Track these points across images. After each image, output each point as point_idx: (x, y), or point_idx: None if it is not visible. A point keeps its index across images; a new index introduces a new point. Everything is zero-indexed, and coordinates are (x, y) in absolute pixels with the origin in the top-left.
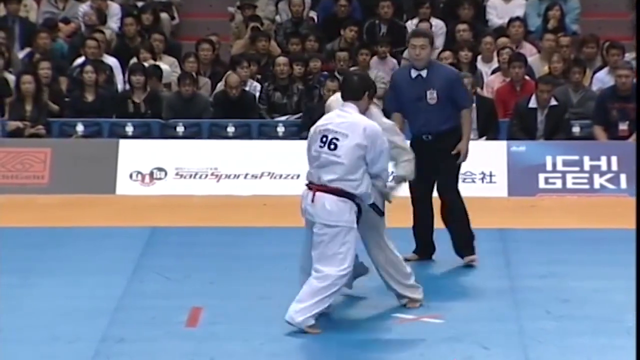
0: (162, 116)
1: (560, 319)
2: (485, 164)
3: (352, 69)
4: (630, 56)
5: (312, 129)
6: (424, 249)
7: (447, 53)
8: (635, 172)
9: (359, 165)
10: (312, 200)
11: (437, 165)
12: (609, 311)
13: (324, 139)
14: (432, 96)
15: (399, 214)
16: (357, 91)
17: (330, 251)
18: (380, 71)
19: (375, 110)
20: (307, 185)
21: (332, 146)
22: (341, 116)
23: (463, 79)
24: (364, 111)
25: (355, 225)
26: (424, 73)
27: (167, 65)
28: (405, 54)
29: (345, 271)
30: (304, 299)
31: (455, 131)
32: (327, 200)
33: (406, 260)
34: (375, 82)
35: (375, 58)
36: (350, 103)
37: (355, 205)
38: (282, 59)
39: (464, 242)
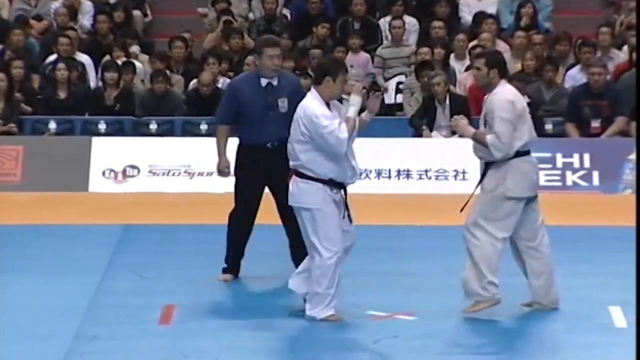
0: (135, 114)
1: (534, 316)
2: (458, 162)
3: None
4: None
5: None
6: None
7: (425, 49)
8: (606, 170)
9: (304, 144)
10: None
11: (275, 173)
12: (582, 308)
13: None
14: (283, 104)
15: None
16: (319, 76)
17: (307, 239)
18: (354, 67)
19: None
20: None
21: (292, 131)
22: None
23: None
24: (330, 94)
25: (321, 207)
26: (274, 81)
27: (141, 63)
28: (267, 60)
29: (326, 258)
30: (309, 298)
31: None
32: (292, 183)
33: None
34: (344, 66)
35: (349, 53)
36: (313, 87)
37: (327, 186)
38: (251, 58)
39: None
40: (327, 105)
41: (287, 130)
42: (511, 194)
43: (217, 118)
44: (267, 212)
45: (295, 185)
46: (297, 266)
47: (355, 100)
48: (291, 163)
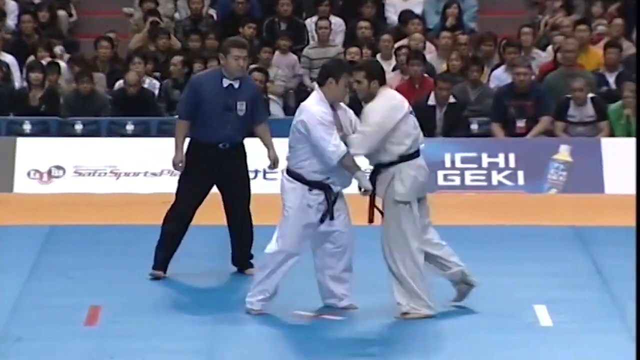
0: (60, 114)
1: (459, 315)
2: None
3: (251, 66)
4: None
5: None
6: None
7: (354, 49)
8: (531, 169)
9: (296, 143)
10: None
11: (224, 174)
12: (507, 307)
13: None
14: (241, 107)
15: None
16: (322, 76)
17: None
18: (281, 68)
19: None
20: None
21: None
22: None
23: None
24: (333, 96)
25: (292, 206)
26: (236, 84)
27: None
28: (233, 61)
29: (278, 250)
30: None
31: (243, 144)
32: (281, 179)
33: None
34: (347, 67)
35: (276, 54)
36: (317, 88)
37: (306, 188)
38: (177, 58)
39: (245, 256)
40: (333, 107)
41: (240, 133)
42: (399, 197)
43: (179, 113)
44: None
45: (282, 180)
46: (237, 267)
47: None
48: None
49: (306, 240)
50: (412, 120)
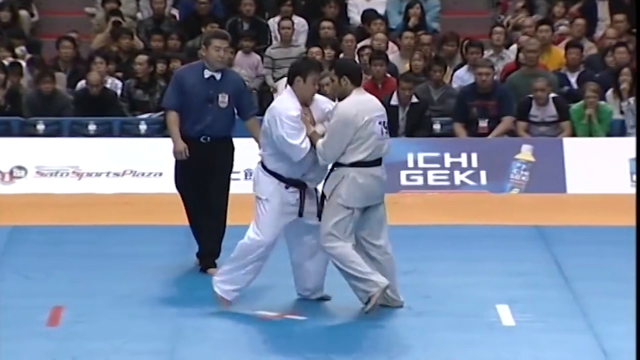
0: (22, 114)
1: (422, 314)
2: None
3: None
4: (487, 53)
5: None
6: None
7: (316, 49)
8: (494, 169)
9: (266, 137)
10: None
11: (208, 170)
12: (470, 307)
13: None
14: (223, 100)
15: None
16: (290, 75)
17: (254, 217)
18: (244, 68)
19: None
20: None
21: None
22: None
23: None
24: (302, 94)
25: (270, 199)
26: (217, 75)
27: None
28: (214, 51)
29: (256, 240)
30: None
31: (230, 139)
32: (255, 169)
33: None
34: (315, 66)
35: (239, 54)
36: (287, 87)
37: (282, 185)
38: (141, 57)
39: (211, 253)
40: (306, 105)
41: (223, 126)
42: (341, 201)
43: (165, 104)
44: (155, 213)
45: (256, 173)
46: (201, 265)
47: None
48: (259, 152)
49: (279, 234)
50: (378, 128)
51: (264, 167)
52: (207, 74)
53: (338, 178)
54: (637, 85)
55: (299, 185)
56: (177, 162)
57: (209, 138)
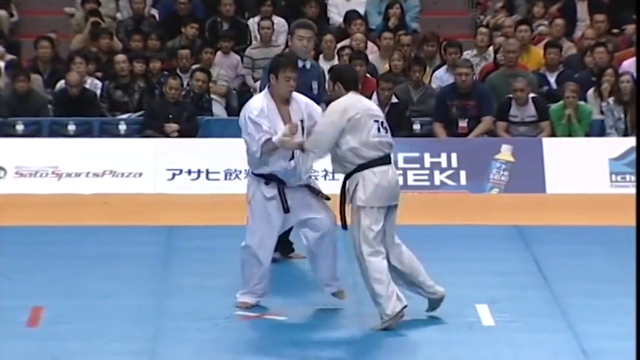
0: (0, 114)
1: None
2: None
3: (193, 66)
4: (470, 53)
5: None
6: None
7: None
8: (473, 169)
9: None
10: None
11: None
12: (449, 306)
13: None
14: (315, 87)
15: None
16: (266, 75)
17: None
18: (223, 69)
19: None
20: None
21: None
22: None
23: None
24: (277, 91)
25: (251, 199)
26: (307, 64)
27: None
28: (297, 41)
29: (245, 245)
30: None
31: None
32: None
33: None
34: (285, 63)
35: (218, 54)
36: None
37: (262, 181)
38: (121, 57)
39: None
40: (287, 101)
41: None
42: (362, 203)
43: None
44: (135, 214)
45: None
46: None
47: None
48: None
49: (272, 233)
50: (375, 126)
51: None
52: (299, 63)
53: (353, 184)
54: (637, 86)
55: (275, 180)
56: None
57: None
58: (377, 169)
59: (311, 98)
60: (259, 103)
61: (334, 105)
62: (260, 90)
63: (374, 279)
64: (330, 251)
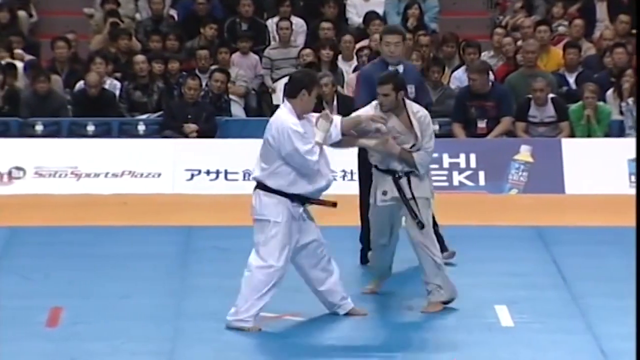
0: (20, 114)
1: (421, 314)
2: (344, 162)
3: (212, 67)
4: (488, 54)
5: None
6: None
7: (307, 51)
8: (492, 170)
9: (270, 157)
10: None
11: None
12: (468, 307)
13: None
14: (411, 91)
15: None
16: (294, 89)
17: (255, 247)
18: (242, 69)
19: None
20: None
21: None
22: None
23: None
24: (304, 108)
25: (279, 220)
26: (400, 68)
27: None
28: (385, 47)
29: (268, 266)
30: (236, 303)
31: None
32: (254, 195)
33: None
34: (318, 80)
35: (237, 54)
36: (287, 101)
37: (288, 200)
38: (140, 57)
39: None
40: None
41: None
42: (428, 195)
43: (359, 104)
44: (154, 214)
45: (258, 198)
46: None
47: (323, 127)
48: (255, 175)
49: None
50: None
51: (264, 187)
52: (391, 68)
53: (420, 178)
54: (637, 86)
55: (302, 199)
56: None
57: None
58: None
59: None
60: (291, 117)
61: (427, 118)
62: (359, 103)
63: (438, 249)
64: (331, 273)
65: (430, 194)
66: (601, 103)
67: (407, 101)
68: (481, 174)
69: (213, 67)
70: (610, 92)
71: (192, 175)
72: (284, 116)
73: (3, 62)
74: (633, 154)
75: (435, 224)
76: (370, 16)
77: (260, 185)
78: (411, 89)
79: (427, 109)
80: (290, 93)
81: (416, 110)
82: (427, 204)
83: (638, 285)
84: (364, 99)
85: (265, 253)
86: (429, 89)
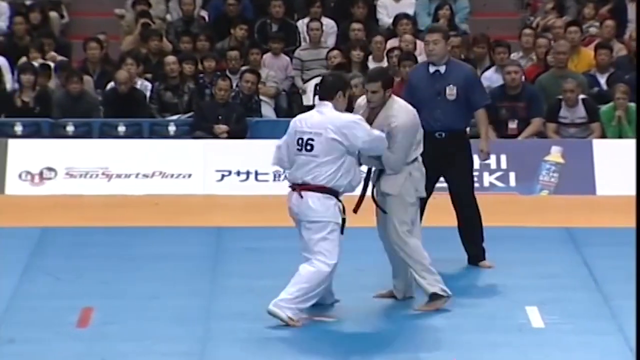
0: (52, 115)
1: (451, 316)
2: None
3: (242, 68)
4: (517, 55)
5: (291, 125)
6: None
7: (336, 52)
8: (523, 171)
9: (335, 159)
10: (297, 199)
11: (444, 166)
12: (499, 308)
13: (300, 142)
14: (451, 92)
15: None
16: (331, 91)
17: (316, 247)
18: (272, 70)
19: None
20: (290, 186)
21: (309, 147)
22: (315, 116)
23: (479, 77)
24: (339, 109)
25: (339, 221)
26: (442, 69)
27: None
28: (425, 46)
29: (331, 266)
30: (289, 291)
31: (465, 132)
32: (311, 198)
33: None
34: (349, 81)
35: (268, 55)
36: (326, 102)
37: (339, 202)
38: (171, 58)
39: (477, 247)
40: None
41: (454, 119)
42: (418, 194)
43: None
44: (185, 215)
45: (311, 199)
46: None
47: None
48: (309, 178)
49: None
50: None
51: (321, 189)
52: (432, 68)
53: (401, 177)
54: (637, 85)
55: (339, 198)
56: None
57: (443, 134)
58: (417, 165)
59: (447, 103)
60: (346, 113)
61: (406, 121)
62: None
63: (422, 256)
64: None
65: (404, 191)
66: (632, 104)
67: (396, 104)
68: (512, 175)
69: (243, 68)
70: None
71: (223, 176)
72: (339, 114)
73: (36, 63)
74: None
75: (480, 224)
76: (400, 16)
77: (315, 188)
78: (451, 90)
79: (485, 108)
80: (327, 95)
81: (393, 115)
82: (399, 201)
83: (638, 285)
84: (406, 100)
85: (329, 253)
86: (484, 89)
